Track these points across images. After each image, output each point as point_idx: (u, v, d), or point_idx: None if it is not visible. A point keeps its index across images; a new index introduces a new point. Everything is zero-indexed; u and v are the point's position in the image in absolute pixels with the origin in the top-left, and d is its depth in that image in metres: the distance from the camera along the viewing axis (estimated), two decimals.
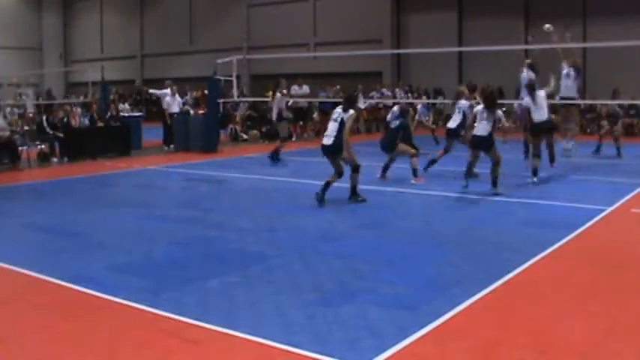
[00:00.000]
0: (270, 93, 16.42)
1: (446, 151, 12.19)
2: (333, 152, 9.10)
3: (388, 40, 26.79)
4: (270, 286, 5.51)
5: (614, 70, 21.18)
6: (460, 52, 24.68)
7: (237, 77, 18.79)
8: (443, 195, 9.98)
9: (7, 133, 14.57)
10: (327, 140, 9.12)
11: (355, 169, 9.23)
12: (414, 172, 11.22)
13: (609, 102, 20.25)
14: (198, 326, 4.60)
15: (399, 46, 26.96)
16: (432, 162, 12.03)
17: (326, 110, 20.89)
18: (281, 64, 26.16)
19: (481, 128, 10.01)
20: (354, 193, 9.35)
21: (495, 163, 9.93)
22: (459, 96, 12.45)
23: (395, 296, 5.22)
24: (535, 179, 10.73)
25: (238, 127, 20.79)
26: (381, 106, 23.23)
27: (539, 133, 11.14)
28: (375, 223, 8.06)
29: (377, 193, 10.40)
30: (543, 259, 6.35)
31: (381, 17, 27.08)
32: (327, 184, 9.12)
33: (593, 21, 22.47)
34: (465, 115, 11.85)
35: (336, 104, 21.13)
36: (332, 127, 9.13)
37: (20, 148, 14.52)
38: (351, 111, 9.13)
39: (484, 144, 10.04)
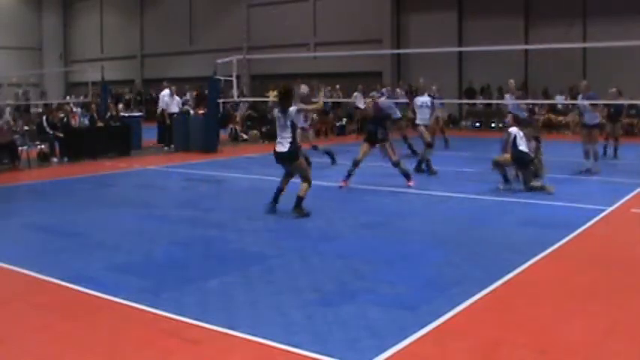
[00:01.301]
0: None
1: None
2: (290, 159, 8.43)
3: (388, 40, 26.78)
4: (270, 286, 5.51)
5: (614, 70, 21.17)
6: (460, 52, 24.66)
7: (237, 77, 18.78)
8: (443, 195, 9.98)
9: (6, 127, 14.54)
10: (281, 147, 8.37)
11: (307, 180, 8.48)
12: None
13: (607, 102, 20.30)
14: (198, 326, 4.60)
15: (399, 46, 26.94)
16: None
17: (325, 110, 20.96)
18: (281, 64, 26.16)
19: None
20: (299, 204, 8.44)
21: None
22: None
23: (395, 296, 5.22)
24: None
25: (238, 127, 20.79)
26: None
27: None
28: (375, 223, 8.06)
29: (377, 193, 10.40)
30: (543, 259, 6.35)
31: (381, 17, 27.07)
32: (300, 199, 8.43)
33: (593, 21, 22.46)
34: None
35: (334, 104, 21.16)
36: (282, 132, 8.38)
37: (20, 148, 14.52)
38: (291, 108, 8.36)
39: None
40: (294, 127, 8.35)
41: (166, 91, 18.34)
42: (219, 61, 17.91)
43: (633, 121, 20.95)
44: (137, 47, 35.31)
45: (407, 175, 10.76)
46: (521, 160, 10.15)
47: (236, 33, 29.73)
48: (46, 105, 22.59)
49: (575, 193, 10.11)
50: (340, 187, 10.67)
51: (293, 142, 8.34)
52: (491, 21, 24.24)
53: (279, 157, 8.53)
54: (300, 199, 8.46)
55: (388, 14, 27.00)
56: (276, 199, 8.63)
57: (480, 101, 22.98)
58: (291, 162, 8.49)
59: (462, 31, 25.61)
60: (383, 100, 14.28)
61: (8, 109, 17.89)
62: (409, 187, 10.57)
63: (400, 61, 27.02)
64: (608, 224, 8.09)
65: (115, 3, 36.43)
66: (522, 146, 10.15)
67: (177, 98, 18.68)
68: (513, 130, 10.35)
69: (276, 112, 8.67)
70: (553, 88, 22.18)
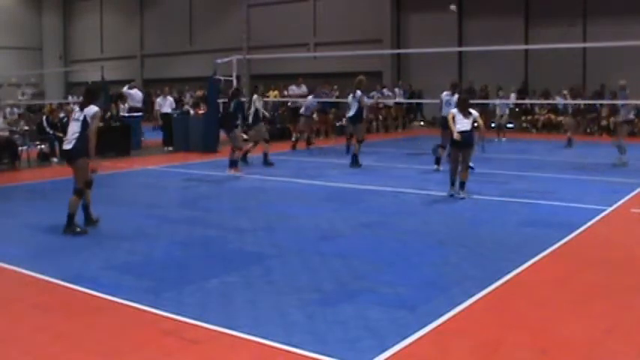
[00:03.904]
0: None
1: (351, 136, 13.91)
2: (74, 157, 7.57)
3: (388, 40, 26.78)
4: (270, 286, 5.51)
5: (614, 69, 21.18)
6: (460, 52, 24.68)
7: (237, 77, 18.78)
8: (443, 195, 9.97)
9: (7, 134, 14.57)
10: (68, 144, 7.61)
11: (78, 191, 7.58)
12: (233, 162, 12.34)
13: (607, 102, 20.31)
14: (198, 326, 4.60)
15: (399, 46, 26.95)
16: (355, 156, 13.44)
17: (325, 110, 20.97)
18: (281, 64, 26.16)
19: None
20: (71, 223, 7.54)
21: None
22: (359, 86, 13.89)
23: (395, 296, 5.22)
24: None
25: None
26: (381, 105, 23.29)
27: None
28: (375, 223, 8.06)
29: (377, 193, 10.41)
30: (543, 259, 6.35)
31: (381, 17, 27.08)
32: (86, 207, 7.80)
33: (593, 21, 22.47)
34: (359, 104, 13.56)
35: (333, 104, 21.21)
36: (73, 127, 7.60)
37: (20, 148, 14.51)
38: (94, 107, 7.64)
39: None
40: (85, 124, 7.55)
41: (134, 90, 18.61)
42: (219, 61, 17.92)
43: (633, 120, 20.92)
44: (137, 47, 35.31)
45: (232, 162, 12.33)
46: (467, 141, 9.57)
47: (236, 33, 29.67)
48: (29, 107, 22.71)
49: (575, 193, 10.11)
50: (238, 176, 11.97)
51: (79, 139, 7.51)
52: (491, 21, 24.25)
53: (65, 155, 7.84)
54: (72, 216, 7.56)
55: (388, 14, 27.01)
56: (69, 225, 7.59)
57: (480, 101, 22.99)
58: (75, 160, 7.61)
59: (462, 31, 25.61)
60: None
61: (8, 109, 17.90)
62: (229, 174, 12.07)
63: (400, 61, 27.03)
64: (608, 224, 8.09)
65: (115, 3, 36.42)
66: (462, 124, 9.52)
67: (169, 99, 18.74)
68: (453, 110, 9.79)
69: (76, 107, 7.92)
70: (553, 88, 22.17)
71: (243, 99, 13.48)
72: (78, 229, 7.59)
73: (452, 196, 9.60)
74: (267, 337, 4.33)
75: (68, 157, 7.72)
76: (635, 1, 21.47)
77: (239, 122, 12.72)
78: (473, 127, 9.54)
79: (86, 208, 7.93)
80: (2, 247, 7.06)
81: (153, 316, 4.84)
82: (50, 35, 37.74)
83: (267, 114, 18.36)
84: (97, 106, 7.82)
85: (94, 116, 7.56)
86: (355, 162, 13.39)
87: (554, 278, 5.82)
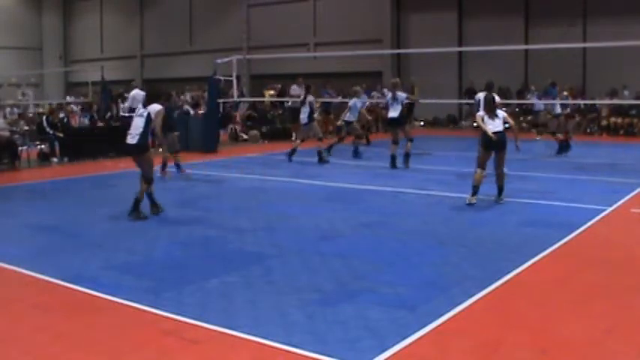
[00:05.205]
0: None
1: (395, 142, 13.19)
2: (140, 152, 8.42)
3: (388, 40, 26.76)
4: (270, 286, 5.51)
5: (614, 69, 21.18)
6: (460, 52, 24.66)
7: (237, 77, 18.78)
8: (443, 195, 9.98)
9: (7, 134, 14.58)
10: (132, 139, 8.38)
11: (149, 180, 8.48)
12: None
13: (608, 102, 20.31)
14: (198, 326, 4.60)
15: (399, 46, 26.92)
16: (394, 158, 13.10)
17: (328, 110, 20.97)
18: (281, 64, 26.15)
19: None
20: (136, 207, 8.38)
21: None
22: (395, 87, 13.47)
23: (395, 296, 5.22)
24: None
25: (238, 127, 20.79)
26: (382, 105, 23.26)
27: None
28: (375, 223, 8.06)
29: (377, 193, 10.41)
30: (543, 259, 6.35)
31: (381, 17, 27.06)
32: (137, 202, 8.38)
33: (593, 21, 22.46)
34: (403, 105, 13.11)
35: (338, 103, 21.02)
36: (137, 123, 8.42)
37: (20, 148, 14.52)
38: (157, 106, 8.53)
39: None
40: (149, 120, 8.37)
41: (136, 91, 18.55)
42: (219, 61, 17.91)
43: (633, 120, 20.94)
44: (137, 47, 35.29)
45: (164, 165, 12.16)
46: (501, 141, 9.12)
47: (236, 33, 29.71)
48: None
49: (575, 193, 10.11)
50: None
51: (143, 135, 8.36)
52: (491, 21, 24.23)
53: (129, 149, 8.48)
54: (137, 202, 8.37)
55: (388, 14, 26.99)
56: (134, 209, 8.40)
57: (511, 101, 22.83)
58: (140, 154, 8.45)
59: (462, 31, 25.60)
60: None
61: (8, 109, 17.89)
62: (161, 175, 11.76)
63: (400, 61, 27.02)
64: (608, 224, 8.09)
65: (115, 3, 36.40)
66: (493, 125, 9.09)
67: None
68: (480, 112, 9.43)
69: (140, 106, 8.89)
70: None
71: (175, 103, 13.65)
72: (142, 215, 8.35)
73: (470, 204, 9.00)
74: (267, 337, 4.33)
75: (130, 150, 8.49)
76: (635, 1, 21.45)
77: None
78: (505, 127, 9.15)
79: (150, 196, 8.59)
80: (2, 247, 7.07)
81: (153, 316, 4.84)
82: (50, 35, 37.70)
83: (315, 114, 18.20)
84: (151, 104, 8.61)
85: (157, 113, 8.46)
86: (407, 161, 13.09)
87: (554, 278, 5.83)
